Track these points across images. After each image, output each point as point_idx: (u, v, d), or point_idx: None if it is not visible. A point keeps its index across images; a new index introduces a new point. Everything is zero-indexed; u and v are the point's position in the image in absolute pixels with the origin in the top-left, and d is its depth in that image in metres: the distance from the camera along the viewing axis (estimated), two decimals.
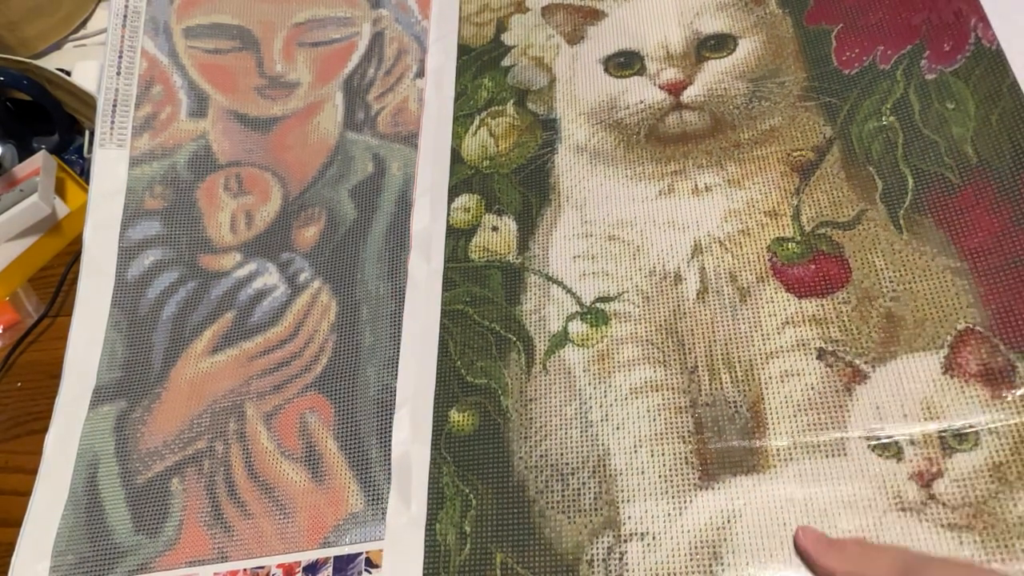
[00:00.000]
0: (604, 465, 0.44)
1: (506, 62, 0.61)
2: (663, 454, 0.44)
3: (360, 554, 0.46)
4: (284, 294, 0.56)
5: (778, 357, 0.44)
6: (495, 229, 0.54)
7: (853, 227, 0.47)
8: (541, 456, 0.46)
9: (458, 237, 0.54)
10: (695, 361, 0.46)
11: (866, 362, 0.43)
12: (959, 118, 0.48)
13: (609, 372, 0.47)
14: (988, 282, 0.43)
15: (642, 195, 0.52)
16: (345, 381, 0.52)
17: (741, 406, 0.44)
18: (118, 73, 0.65)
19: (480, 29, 0.63)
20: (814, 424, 0.42)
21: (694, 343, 0.46)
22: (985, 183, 0.46)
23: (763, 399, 0.44)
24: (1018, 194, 0.45)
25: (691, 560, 0.41)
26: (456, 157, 0.58)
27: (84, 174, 0.70)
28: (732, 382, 0.45)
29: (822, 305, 0.45)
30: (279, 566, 0.47)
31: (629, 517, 0.42)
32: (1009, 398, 0.40)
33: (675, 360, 0.46)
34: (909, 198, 0.47)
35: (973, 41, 0.50)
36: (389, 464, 0.48)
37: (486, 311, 0.51)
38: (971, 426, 0.40)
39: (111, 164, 0.63)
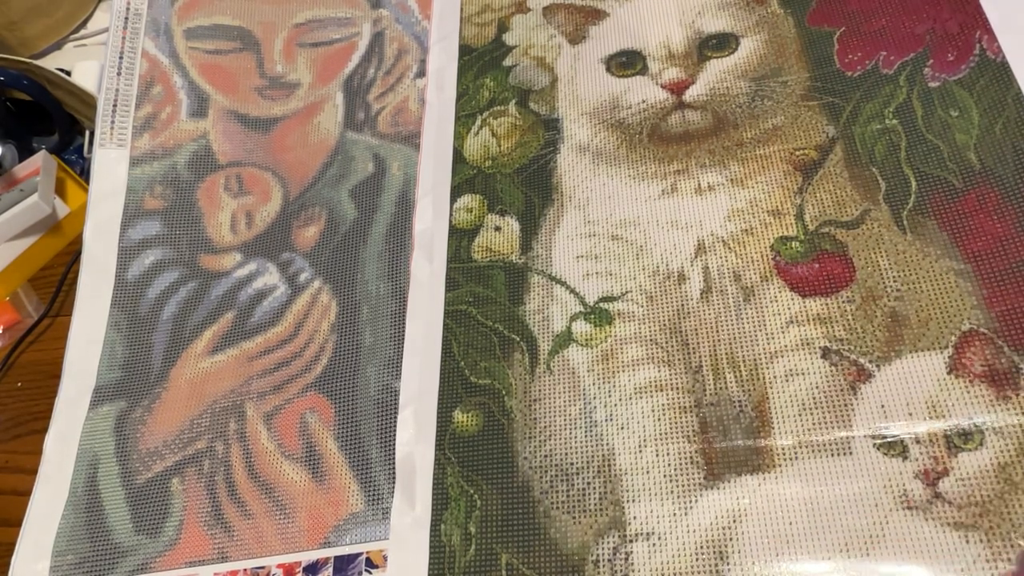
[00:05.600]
0: (609, 465, 0.44)
1: (508, 62, 0.61)
2: (668, 454, 0.44)
3: (360, 554, 0.46)
4: (284, 294, 0.56)
5: (783, 356, 0.44)
6: (498, 229, 0.54)
7: (857, 226, 0.47)
8: (546, 456, 0.45)
9: (461, 237, 0.54)
10: (699, 361, 0.46)
11: (871, 361, 0.43)
12: (962, 126, 0.48)
13: (613, 372, 0.47)
14: (992, 285, 0.43)
15: (645, 195, 0.52)
16: (345, 381, 0.51)
17: (746, 405, 0.44)
18: (118, 73, 0.65)
19: (481, 29, 0.63)
20: (819, 423, 0.42)
21: (698, 343, 0.46)
22: (988, 189, 0.46)
23: (768, 398, 0.43)
24: (1022, 201, 0.45)
25: (697, 560, 0.40)
26: (458, 157, 0.57)
27: (84, 174, 0.70)
28: (737, 381, 0.44)
29: (826, 304, 0.45)
30: (279, 566, 0.47)
31: (634, 517, 0.42)
32: (1014, 399, 0.40)
33: (679, 360, 0.46)
34: (912, 200, 0.47)
35: (978, 52, 0.50)
36: (390, 464, 0.48)
37: (489, 311, 0.51)
38: (976, 426, 0.40)
39: (111, 164, 0.62)
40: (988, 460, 0.39)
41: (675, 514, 0.42)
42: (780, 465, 0.42)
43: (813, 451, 0.41)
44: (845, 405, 0.42)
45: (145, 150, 0.63)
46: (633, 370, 0.46)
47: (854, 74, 0.52)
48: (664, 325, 0.47)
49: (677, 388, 0.45)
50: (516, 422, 0.47)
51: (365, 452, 0.49)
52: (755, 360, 0.45)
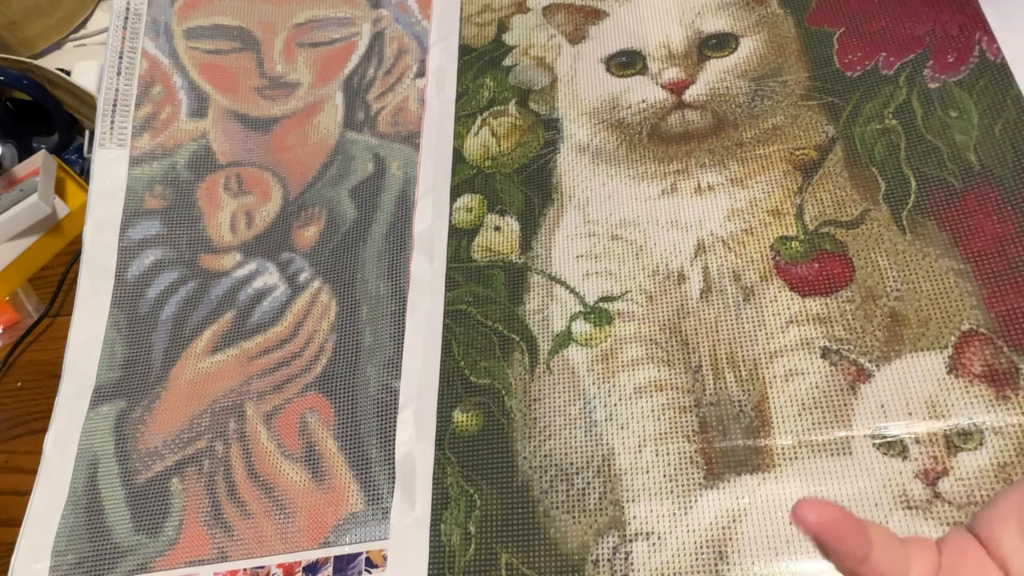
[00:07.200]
0: (609, 465, 0.44)
1: (507, 62, 0.61)
2: (668, 453, 0.44)
3: (360, 554, 0.46)
4: (284, 294, 0.56)
5: (782, 356, 0.44)
6: (498, 229, 0.54)
7: (856, 226, 0.47)
8: (545, 456, 0.45)
9: (460, 237, 0.54)
10: (699, 360, 0.46)
11: (870, 361, 0.43)
12: (962, 126, 0.48)
13: (613, 372, 0.47)
14: (991, 285, 0.43)
15: (645, 194, 0.52)
16: (345, 381, 0.51)
17: (745, 405, 0.44)
18: (118, 73, 0.65)
19: (481, 29, 0.63)
20: (819, 423, 0.42)
21: (698, 342, 0.46)
22: (988, 189, 0.46)
23: (767, 398, 0.44)
24: (1021, 201, 0.45)
25: (696, 559, 0.40)
26: (458, 157, 0.57)
27: (84, 174, 0.70)
28: (736, 381, 0.44)
29: (826, 304, 0.45)
30: (279, 566, 0.47)
31: (634, 517, 0.42)
32: (1013, 399, 0.40)
33: (679, 359, 0.46)
34: (912, 200, 0.47)
35: (977, 54, 0.50)
36: (390, 464, 0.48)
37: (489, 311, 0.51)
38: (976, 426, 0.40)
39: (111, 164, 0.62)
40: (988, 460, 0.39)
41: (675, 514, 0.42)
42: (780, 465, 0.42)
43: (813, 451, 0.41)
44: (845, 405, 0.42)
45: (145, 150, 0.63)
46: (633, 370, 0.46)
47: (854, 74, 0.52)
48: (664, 325, 0.47)
49: (677, 388, 0.45)
50: (516, 422, 0.47)
51: (365, 452, 0.49)
52: (755, 360, 0.45)
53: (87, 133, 0.72)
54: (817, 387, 0.43)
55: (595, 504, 0.43)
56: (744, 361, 0.45)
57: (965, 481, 0.39)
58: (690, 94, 0.54)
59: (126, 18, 0.67)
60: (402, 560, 0.45)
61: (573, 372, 0.47)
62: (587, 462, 0.45)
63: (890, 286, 0.45)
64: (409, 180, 0.58)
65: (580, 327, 0.49)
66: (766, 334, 0.45)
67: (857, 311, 0.44)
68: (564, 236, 0.52)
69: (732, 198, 0.50)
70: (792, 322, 0.45)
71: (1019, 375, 0.40)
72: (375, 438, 0.49)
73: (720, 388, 0.45)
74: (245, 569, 0.47)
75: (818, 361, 0.44)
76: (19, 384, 0.61)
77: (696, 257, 0.49)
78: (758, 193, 0.50)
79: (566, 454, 0.45)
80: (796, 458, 0.41)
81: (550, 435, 0.46)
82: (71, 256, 0.65)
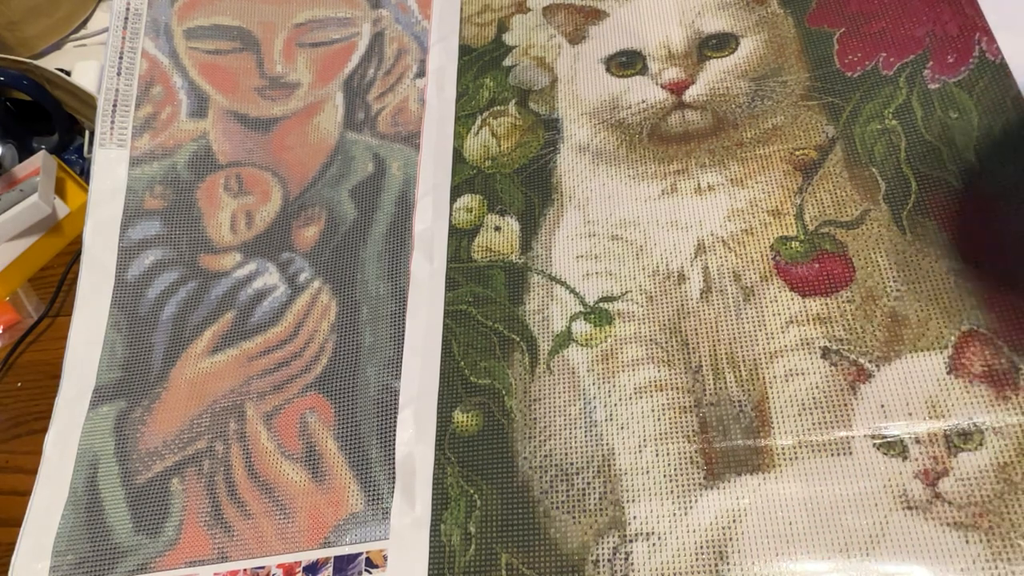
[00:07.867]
0: (609, 465, 0.44)
1: (507, 62, 0.61)
2: (668, 454, 0.44)
3: (360, 554, 0.46)
4: (284, 294, 0.56)
5: (782, 356, 0.44)
6: (498, 229, 0.54)
7: (856, 226, 0.47)
8: (545, 456, 0.45)
9: (460, 237, 0.54)
10: (699, 360, 0.46)
11: (870, 361, 0.43)
12: (962, 127, 0.48)
13: (613, 372, 0.47)
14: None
15: (645, 195, 0.52)
16: (345, 381, 0.51)
17: (746, 405, 0.44)
18: (118, 73, 0.65)
19: (481, 29, 0.63)
20: (819, 423, 0.42)
21: (698, 342, 0.46)
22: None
23: (768, 398, 0.44)
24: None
25: (697, 560, 0.40)
26: (458, 157, 0.57)
27: (84, 174, 0.70)
28: (736, 381, 0.45)
29: (826, 304, 0.45)
30: (279, 566, 0.47)
31: (634, 517, 0.42)
32: (1013, 400, 0.40)
33: (679, 360, 0.46)
34: (912, 200, 0.47)
35: (977, 54, 0.50)
36: (390, 464, 0.48)
37: (489, 311, 0.51)
38: (976, 426, 0.40)
39: (111, 164, 0.63)
40: (988, 460, 0.39)
41: (675, 514, 0.42)
42: (780, 465, 0.42)
43: (813, 451, 0.41)
44: (845, 405, 0.42)
45: (145, 150, 0.63)
46: (633, 370, 0.46)
47: (854, 75, 0.52)
48: (664, 325, 0.47)
49: (677, 388, 0.45)
50: (516, 422, 0.47)
51: (365, 452, 0.49)
52: (755, 360, 0.45)
53: (87, 133, 0.72)
54: (817, 387, 0.43)
55: (595, 504, 0.43)
56: (744, 361, 0.45)
57: (965, 481, 0.39)
58: (690, 94, 0.54)
59: (126, 18, 0.67)
60: (402, 560, 0.45)
61: (573, 372, 0.47)
62: (587, 462, 0.45)
63: (890, 286, 0.45)
64: (409, 180, 0.58)
65: (580, 327, 0.49)
66: (766, 334, 0.45)
67: (857, 311, 0.44)
68: (564, 236, 0.52)
69: (732, 198, 0.50)
70: (792, 322, 0.45)
71: (1019, 375, 0.40)
72: (375, 438, 0.49)
73: (720, 388, 0.45)
74: (245, 569, 0.47)
75: (818, 361, 0.44)
76: (19, 384, 0.61)
77: (696, 257, 0.49)
78: (758, 193, 0.50)
79: (566, 454, 0.45)
80: (796, 458, 0.41)
81: (550, 435, 0.46)
82: (71, 256, 0.65)
